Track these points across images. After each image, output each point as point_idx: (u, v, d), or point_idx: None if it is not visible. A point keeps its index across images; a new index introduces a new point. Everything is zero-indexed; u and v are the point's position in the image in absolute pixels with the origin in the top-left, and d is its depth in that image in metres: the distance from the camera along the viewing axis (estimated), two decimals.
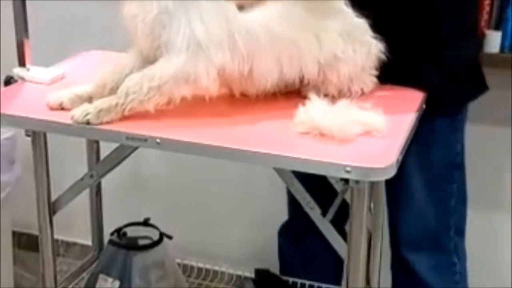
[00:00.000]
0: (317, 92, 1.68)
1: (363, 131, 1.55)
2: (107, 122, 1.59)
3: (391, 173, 1.45)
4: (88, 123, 1.58)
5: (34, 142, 1.77)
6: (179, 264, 2.29)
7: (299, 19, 1.66)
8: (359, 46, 1.72)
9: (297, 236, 2.25)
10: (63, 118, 1.61)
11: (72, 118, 1.59)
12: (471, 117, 2.07)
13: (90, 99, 1.66)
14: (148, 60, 1.65)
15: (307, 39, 1.66)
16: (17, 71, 1.87)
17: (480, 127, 2.31)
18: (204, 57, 1.57)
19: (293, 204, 2.19)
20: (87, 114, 1.58)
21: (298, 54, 1.67)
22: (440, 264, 2.05)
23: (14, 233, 2.75)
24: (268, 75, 1.66)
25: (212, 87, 1.60)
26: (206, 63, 1.57)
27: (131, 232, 2.15)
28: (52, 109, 1.66)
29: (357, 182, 1.51)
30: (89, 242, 2.35)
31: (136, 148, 1.78)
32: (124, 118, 1.60)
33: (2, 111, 1.67)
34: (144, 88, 1.57)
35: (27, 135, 1.79)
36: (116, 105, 1.59)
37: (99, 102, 1.61)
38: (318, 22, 1.68)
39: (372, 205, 1.86)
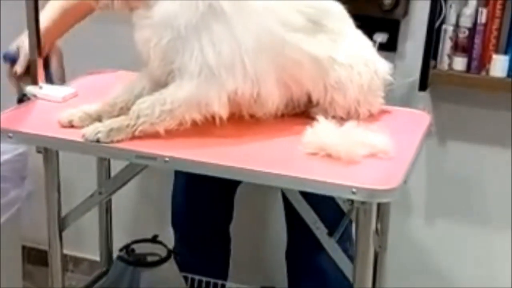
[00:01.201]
0: (325, 113, 1.70)
1: (370, 152, 1.57)
2: (117, 141, 1.61)
3: (397, 194, 1.46)
4: (98, 141, 1.60)
5: (45, 159, 1.78)
6: (185, 280, 2.30)
7: (306, 42, 1.67)
8: (365, 68, 1.74)
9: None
10: (75, 136, 1.63)
11: (83, 136, 1.62)
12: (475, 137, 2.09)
13: (99, 118, 1.69)
14: (159, 83, 1.67)
15: (314, 62, 1.68)
16: (30, 89, 1.89)
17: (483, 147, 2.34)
18: (216, 82, 1.59)
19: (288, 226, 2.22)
20: (98, 133, 1.60)
21: (305, 77, 1.69)
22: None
23: (24, 247, 2.77)
24: (275, 98, 1.68)
25: (223, 111, 1.62)
26: (218, 88, 1.60)
27: (139, 248, 2.16)
28: (62, 126, 1.68)
29: (363, 203, 1.53)
30: (97, 258, 2.37)
31: (145, 166, 1.80)
32: (134, 137, 1.62)
33: (14, 128, 1.69)
34: (155, 111, 1.60)
35: (38, 151, 1.81)
36: (127, 126, 1.61)
37: (110, 122, 1.63)
38: (324, 45, 1.70)
39: (378, 225, 1.88)
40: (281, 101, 1.70)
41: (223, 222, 2.36)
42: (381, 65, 1.79)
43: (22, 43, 1.93)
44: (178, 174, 2.29)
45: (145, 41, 1.64)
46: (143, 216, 2.44)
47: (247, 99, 1.65)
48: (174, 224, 2.37)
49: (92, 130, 1.61)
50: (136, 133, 1.61)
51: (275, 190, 2.21)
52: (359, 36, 1.79)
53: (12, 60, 1.93)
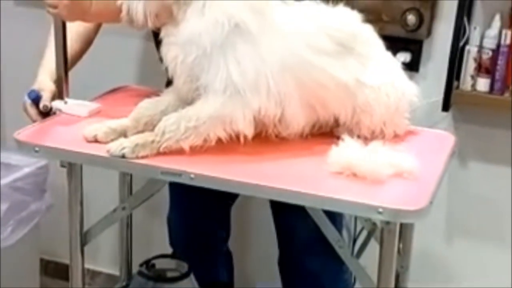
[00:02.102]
0: (350, 133, 1.70)
1: (395, 172, 1.57)
2: (142, 157, 1.62)
3: (425, 215, 1.46)
4: (123, 156, 1.61)
5: (69, 173, 1.79)
6: None
7: (332, 66, 1.68)
8: (393, 90, 1.74)
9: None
10: (100, 150, 1.65)
11: (108, 151, 1.63)
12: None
13: (124, 133, 1.70)
14: (185, 100, 1.69)
15: (340, 86, 1.68)
16: (56, 103, 1.91)
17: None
18: (241, 101, 1.60)
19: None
20: (123, 148, 1.61)
21: (331, 100, 1.70)
22: (332, 265, 2.04)
23: (41, 260, 2.78)
24: (300, 119, 1.69)
25: (248, 130, 1.63)
26: (243, 106, 1.60)
27: (159, 264, 2.16)
28: (87, 141, 1.69)
29: (387, 223, 1.52)
30: (114, 271, 2.37)
31: (168, 182, 1.80)
32: (158, 153, 1.63)
33: (40, 143, 1.71)
34: (181, 128, 1.61)
35: (62, 166, 1.82)
36: (152, 142, 1.62)
37: (135, 137, 1.64)
38: (352, 68, 1.70)
39: (401, 246, 1.88)
40: (306, 123, 1.71)
41: (222, 238, 2.37)
42: (408, 87, 1.79)
43: (42, 83, 1.95)
44: (173, 193, 2.30)
45: (172, 58, 1.66)
46: (163, 231, 2.44)
47: (271, 119, 1.66)
48: (173, 244, 2.37)
49: (117, 146, 1.62)
50: (161, 149, 1.62)
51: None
52: (388, 58, 1.80)
53: (35, 99, 1.93)
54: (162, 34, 1.69)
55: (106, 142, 1.66)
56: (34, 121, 1.91)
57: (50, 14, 1.84)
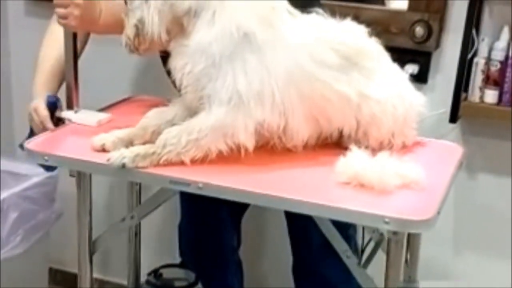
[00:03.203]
0: (358, 144, 1.71)
1: (402, 183, 1.57)
2: (142, 168, 1.63)
3: (432, 226, 1.46)
4: (124, 166, 1.62)
5: (78, 183, 1.80)
6: None
7: (336, 80, 1.68)
8: (400, 101, 1.75)
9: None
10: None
11: (108, 160, 1.64)
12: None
13: (131, 142, 1.71)
14: (191, 110, 1.70)
15: (343, 99, 1.69)
16: (66, 113, 1.92)
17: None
18: (244, 111, 1.61)
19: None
20: (123, 158, 1.62)
21: (334, 113, 1.70)
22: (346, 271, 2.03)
23: (50, 269, 2.79)
24: (304, 131, 1.70)
25: (249, 142, 1.64)
26: (246, 117, 1.62)
27: (167, 273, 2.17)
28: (95, 150, 1.70)
29: (394, 233, 1.53)
30: (122, 280, 2.37)
31: (177, 191, 1.81)
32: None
33: (49, 152, 1.72)
34: (182, 141, 1.62)
35: (71, 175, 1.83)
36: (153, 153, 1.63)
37: (136, 148, 1.65)
38: (357, 82, 1.70)
39: (408, 256, 1.88)
40: (310, 135, 1.72)
41: (233, 247, 2.37)
42: (416, 98, 1.80)
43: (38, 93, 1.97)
44: (184, 201, 2.31)
45: (180, 67, 1.67)
46: (170, 241, 2.45)
47: (275, 130, 1.67)
48: (182, 252, 2.38)
49: (117, 156, 1.63)
50: (161, 161, 1.64)
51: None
52: (394, 70, 1.80)
53: (52, 105, 1.95)
54: (171, 47, 1.70)
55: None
56: (43, 125, 1.93)
57: (60, 24, 1.86)
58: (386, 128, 1.73)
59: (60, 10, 1.83)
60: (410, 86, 1.80)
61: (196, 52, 1.64)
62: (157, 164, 1.63)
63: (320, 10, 1.74)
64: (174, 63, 1.69)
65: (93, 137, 1.73)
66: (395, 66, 1.81)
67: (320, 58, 1.67)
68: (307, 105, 1.67)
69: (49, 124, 1.92)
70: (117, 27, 1.76)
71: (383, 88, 1.73)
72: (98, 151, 1.70)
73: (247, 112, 1.61)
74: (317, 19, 1.73)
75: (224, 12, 1.62)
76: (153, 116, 1.75)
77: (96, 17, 1.84)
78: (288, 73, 1.64)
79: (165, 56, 1.75)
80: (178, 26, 1.68)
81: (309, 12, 1.74)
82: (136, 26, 1.68)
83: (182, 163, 1.64)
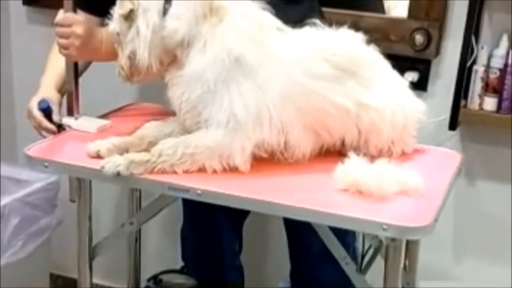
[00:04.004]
0: (357, 151, 1.71)
1: (401, 190, 1.58)
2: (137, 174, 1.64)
3: (429, 232, 1.47)
4: (118, 174, 1.63)
5: (78, 189, 1.81)
6: None
7: (331, 91, 1.68)
8: (399, 108, 1.75)
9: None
10: None
11: (102, 167, 1.64)
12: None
13: (127, 150, 1.71)
14: (188, 131, 1.71)
15: (341, 110, 1.69)
16: (66, 120, 1.93)
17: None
18: (242, 134, 1.63)
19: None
20: (118, 166, 1.63)
21: (334, 124, 1.70)
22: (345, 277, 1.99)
23: (51, 275, 2.80)
24: (304, 145, 1.70)
25: (244, 166, 1.65)
26: (243, 140, 1.63)
27: (167, 279, 2.18)
28: (90, 157, 1.71)
29: (393, 240, 1.53)
30: (122, 286, 2.37)
31: (176, 197, 1.82)
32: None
33: (49, 158, 1.73)
34: (178, 153, 1.64)
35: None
36: (147, 161, 1.64)
37: (131, 155, 1.66)
38: (354, 92, 1.70)
39: (406, 263, 1.88)
40: (313, 148, 1.72)
41: (234, 253, 2.38)
42: (416, 105, 1.80)
43: (47, 92, 1.98)
44: (186, 207, 2.32)
45: (178, 96, 1.69)
46: (170, 247, 2.45)
47: (276, 148, 1.68)
48: (185, 258, 2.38)
49: (112, 164, 1.63)
50: (155, 170, 1.64)
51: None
52: (393, 77, 1.80)
53: (46, 109, 1.95)
54: (167, 78, 1.72)
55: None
56: (44, 130, 1.93)
57: (62, 54, 1.88)
58: (385, 136, 1.73)
59: (61, 41, 1.86)
60: (410, 93, 1.81)
61: (192, 80, 1.66)
62: (151, 172, 1.64)
63: (318, 21, 1.74)
64: (172, 93, 1.71)
65: (89, 143, 1.74)
66: (395, 73, 1.81)
67: (313, 71, 1.67)
68: (306, 119, 1.68)
69: (46, 123, 1.92)
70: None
71: (382, 95, 1.73)
72: (93, 157, 1.70)
73: (245, 134, 1.63)
74: (310, 31, 1.73)
75: (215, 39, 1.64)
76: (152, 128, 1.77)
77: (98, 46, 1.87)
78: (283, 90, 1.64)
79: None
80: (171, 56, 1.71)
81: (308, 24, 1.74)
82: (130, 57, 1.70)
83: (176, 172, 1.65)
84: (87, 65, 2.10)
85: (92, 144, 1.73)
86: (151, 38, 1.67)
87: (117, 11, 1.70)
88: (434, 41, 2.24)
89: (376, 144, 1.74)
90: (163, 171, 1.64)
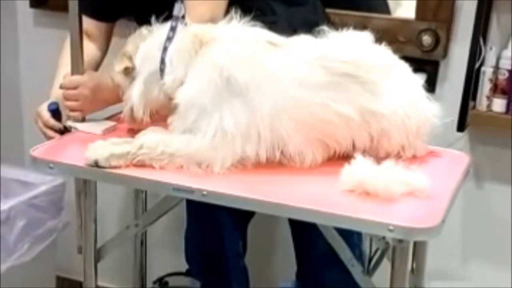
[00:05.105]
0: (367, 154, 1.67)
1: (407, 191, 1.56)
2: (115, 167, 1.65)
3: (436, 234, 1.45)
4: (97, 164, 1.64)
5: (83, 191, 1.80)
6: None
7: (332, 100, 1.65)
8: (414, 111, 1.70)
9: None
10: (113, 167, 1.66)
11: (85, 159, 1.66)
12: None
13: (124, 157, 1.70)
14: None
15: (344, 118, 1.65)
16: (72, 122, 1.93)
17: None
18: (227, 147, 1.62)
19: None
20: (98, 155, 1.65)
21: (340, 133, 1.67)
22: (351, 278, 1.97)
23: (58, 278, 2.79)
24: (307, 154, 1.67)
25: (222, 172, 1.64)
26: (227, 153, 1.63)
27: (172, 281, 2.17)
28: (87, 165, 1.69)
29: (400, 241, 1.52)
30: None
31: (181, 199, 1.81)
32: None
33: (54, 159, 1.73)
34: (158, 149, 1.64)
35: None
36: (128, 153, 1.65)
37: (113, 147, 1.67)
38: (359, 98, 1.66)
39: (414, 265, 1.87)
40: (322, 158, 1.69)
41: (238, 254, 2.36)
42: (430, 108, 1.76)
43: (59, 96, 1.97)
44: (190, 208, 2.31)
45: (181, 131, 1.69)
46: (176, 249, 2.44)
47: (272, 159, 1.66)
48: (188, 259, 2.37)
49: (92, 153, 1.65)
50: (134, 161, 1.65)
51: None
52: (407, 78, 1.74)
53: (53, 111, 1.96)
54: (169, 120, 1.72)
55: (104, 167, 1.66)
56: (49, 128, 1.94)
57: (70, 116, 1.92)
58: (397, 140, 1.69)
59: (70, 103, 1.90)
60: (424, 95, 1.75)
61: (188, 108, 1.66)
62: (130, 164, 1.65)
63: (325, 28, 1.72)
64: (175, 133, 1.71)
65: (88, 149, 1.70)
66: (409, 73, 1.76)
67: (309, 82, 1.64)
68: (306, 130, 1.65)
69: (52, 121, 1.94)
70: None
71: (392, 100, 1.68)
72: (92, 166, 1.68)
73: (231, 148, 1.63)
74: (308, 40, 1.70)
75: (205, 63, 1.66)
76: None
77: (107, 97, 1.90)
78: (274, 105, 1.62)
79: None
80: (167, 108, 1.72)
81: (315, 31, 1.72)
82: (131, 109, 1.77)
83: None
84: (96, 68, 2.10)
85: (90, 152, 1.68)
86: (147, 97, 1.74)
87: (115, 65, 1.77)
88: (442, 42, 2.23)
89: (386, 148, 1.70)
90: (142, 164, 1.65)
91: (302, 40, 1.71)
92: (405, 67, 1.77)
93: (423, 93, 1.77)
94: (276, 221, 2.59)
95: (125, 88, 1.80)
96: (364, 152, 1.69)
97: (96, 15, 2.07)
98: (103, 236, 1.88)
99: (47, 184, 2.54)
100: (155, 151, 1.64)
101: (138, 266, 2.29)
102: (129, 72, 1.77)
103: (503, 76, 2.17)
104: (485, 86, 2.19)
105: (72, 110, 1.91)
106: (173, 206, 1.84)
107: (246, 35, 1.68)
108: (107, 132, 1.90)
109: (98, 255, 1.86)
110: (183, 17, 1.73)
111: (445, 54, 2.26)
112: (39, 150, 1.77)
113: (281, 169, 1.68)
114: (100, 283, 1.93)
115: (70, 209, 2.57)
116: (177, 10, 1.73)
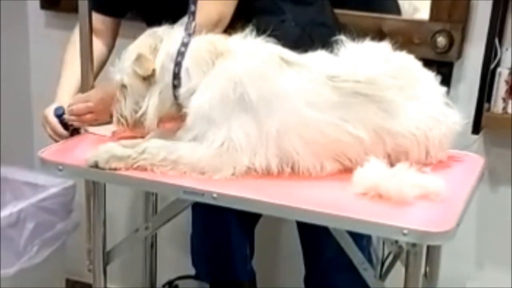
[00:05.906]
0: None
1: (421, 194, 1.54)
2: (115, 169, 1.63)
3: (451, 238, 1.42)
4: (97, 165, 1.62)
5: (92, 193, 1.79)
6: None
7: (342, 120, 1.61)
8: (436, 123, 1.67)
9: None
10: (122, 169, 1.64)
11: (86, 160, 1.64)
12: None
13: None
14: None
15: (356, 137, 1.62)
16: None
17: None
18: (235, 157, 1.60)
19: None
20: (98, 157, 1.63)
21: (353, 151, 1.63)
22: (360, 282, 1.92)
23: (67, 280, 2.78)
24: (317, 170, 1.64)
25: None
26: (231, 163, 1.60)
27: (182, 284, 2.15)
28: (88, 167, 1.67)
29: (413, 245, 1.49)
30: None
31: (192, 202, 1.79)
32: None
33: (63, 161, 1.71)
34: (160, 155, 1.62)
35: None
36: (128, 157, 1.63)
37: (115, 148, 1.65)
38: (373, 117, 1.62)
39: (427, 269, 1.85)
40: (336, 170, 1.65)
41: (246, 257, 2.35)
42: (452, 117, 1.71)
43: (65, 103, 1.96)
44: (195, 212, 2.30)
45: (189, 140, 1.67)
46: (186, 252, 2.43)
47: (282, 173, 1.63)
48: (195, 263, 2.36)
49: (93, 154, 1.64)
50: (135, 166, 1.63)
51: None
52: (429, 89, 1.70)
53: (60, 116, 1.94)
54: (177, 136, 1.69)
55: (103, 168, 1.65)
56: (54, 132, 1.93)
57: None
58: (415, 157, 1.65)
59: (86, 118, 1.88)
60: (447, 104, 1.71)
61: (197, 119, 1.63)
62: (129, 168, 1.63)
63: (342, 38, 1.69)
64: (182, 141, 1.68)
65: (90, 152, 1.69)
66: (431, 83, 1.71)
67: (319, 102, 1.60)
68: (317, 149, 1.62)
69: (60, 129, 1.92)
70: None
71: (410, 116, 1.63)
72: (92, 167, 1.66)
73: (237, 159, 1.60)
74: (323, 57, 1.67)
75: (219, 75, 1.62)
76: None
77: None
78: (282, 123, 1.60)
79: None
80: (169, 117, 1.71)
81: (331, 42, 1.69)
82: (135, 111, 1.71)
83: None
84: (102, 65, 2.08)
85: (91, 154, 1.67)
86: (160, 109, 1.69)
87: (134, 67, 1.69)
88: (456, 43, 2.20)
89: (404, 161, 1.63)
90: (142, 169, 1.63)
91: (316, 57, 1.68)
92: (428, 76, 1.73)
93: (445, 102, 1.72)
94: (283, 224, 2.58)
95: (136, 91, 1.72)
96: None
97: (103, 10, 2.06)
98: (113, 239, 1.87)
99: (57, 187, 2.53)
100: (156, 157, 1.62)
101: (148, 269, 2.27)
102: (148, 78, 1.70)
103: None
104: (500, 88, 2.16)
105: (89, 123, 1.90)
106: (183, 209, 1.83)
107: (261, 51, 1.65)
108: (117, 134, 1.88)
109: (108, 258, 1.84)
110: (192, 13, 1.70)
111: (459, 55, 2.24)
112: (48, 152, 1.76)
113: (291, 174, 1.65)
114: (109, 286, 1.92)
115: (80, 212, 2.56)
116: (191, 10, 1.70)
